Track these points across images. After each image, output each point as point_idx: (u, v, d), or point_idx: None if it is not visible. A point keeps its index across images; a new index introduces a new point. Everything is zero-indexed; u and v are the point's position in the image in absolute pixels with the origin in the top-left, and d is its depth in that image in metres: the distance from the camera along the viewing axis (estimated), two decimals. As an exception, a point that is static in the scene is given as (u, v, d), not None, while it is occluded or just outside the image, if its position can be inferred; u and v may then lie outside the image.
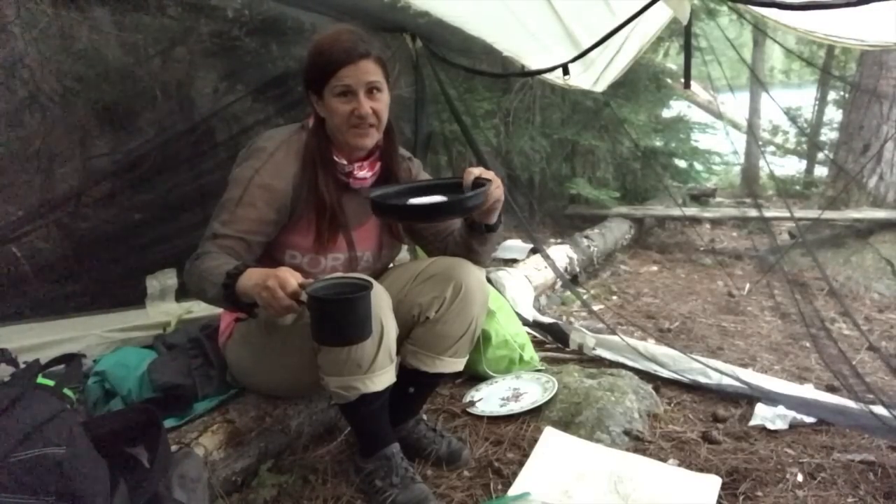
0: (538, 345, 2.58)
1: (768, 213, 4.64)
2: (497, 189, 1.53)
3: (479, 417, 1.99)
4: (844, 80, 6.18)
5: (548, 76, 3.12)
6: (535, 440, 1.80)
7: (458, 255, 1.70)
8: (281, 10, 2.63)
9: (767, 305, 3.37)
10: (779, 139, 7.88)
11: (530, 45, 2.96)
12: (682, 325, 3.10)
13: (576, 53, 2.85)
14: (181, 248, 2.06)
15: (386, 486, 1.55)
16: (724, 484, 1.62)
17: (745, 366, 2.41)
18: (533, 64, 3.08)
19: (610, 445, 1.80)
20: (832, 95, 7.00)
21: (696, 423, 1.99)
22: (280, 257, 1.60)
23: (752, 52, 6.97)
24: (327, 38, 1.51)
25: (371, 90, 1.51)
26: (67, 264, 2.20)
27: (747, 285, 3.76)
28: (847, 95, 5.88)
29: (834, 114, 6.95)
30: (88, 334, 2.08)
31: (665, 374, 2.25)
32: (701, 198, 5.81)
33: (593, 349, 2.45)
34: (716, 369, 2.19)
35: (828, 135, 7.03)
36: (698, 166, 5.83)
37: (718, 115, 6.58)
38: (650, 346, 2.42)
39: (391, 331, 1.48)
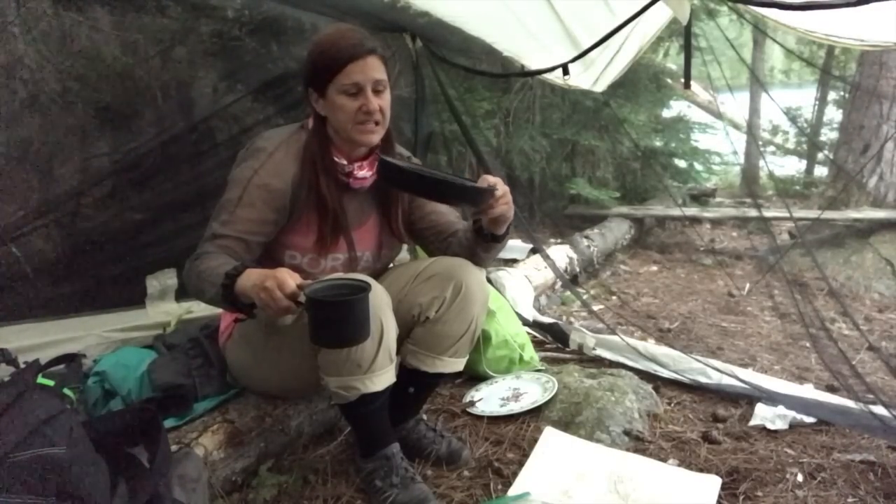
0: (538, 345, 2.58)
1: (768, 213, 4.65)
2: (504, 204, 1.51)
3: (479, 417, 1.99)
4: (844, 80, 6.18)
5: (548, 76, 3.12)
6: (535, 440, 1.80)
7: (459, 256, 1.70)
8: (281, 10, 2.63)
9: (767, 305, 3.38)
10: (779, 139, 7.88)
11: (530, 45, 2.96)
12: (682, 325, 3.10)
13: (576, 53, 2.85)
14: (181, 248, 2.06)
15: (386, 486, 1.55)
16: (724, 484, 1.62)
17: (745, 366, 2.41)
18: (533, 64, 3.08)
19: (610, 445, 1.80)
20: (832, 95, 7.00)
21: (696, 423, 1.99)
22: (280, 257, 1.60)
23: (752, 52, 6.97)
24: (331, 35, 1.51)
25: (377, 87, 1.51)
26: (67, 264, 2.19)
27: (747, 285, 3.76)
28: (847, 95, 5.88)
29: (834, 114, 6.95)
30: (88, 334, 2.08)
31: (665, 374, 2.25)
32: (701, 198, 5.81)
33: (593, 349, 2.45)
34: (716, 369, 2.19)
35: (828, 135, 7.03)
36: (698, 166, 5.83)
37: (718, 115, 6.59)
38: (650, 346, 2.42)
39: (391, 331, 1.48)
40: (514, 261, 3.50)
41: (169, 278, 2.29)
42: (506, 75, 3.94)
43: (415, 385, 1.73)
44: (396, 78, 3.09)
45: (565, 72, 2.87)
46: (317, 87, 1.52)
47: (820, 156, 6.94)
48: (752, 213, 4.87)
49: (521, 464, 1.72)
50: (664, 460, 1.76)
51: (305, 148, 1.57)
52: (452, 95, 3.23)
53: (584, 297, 3.39)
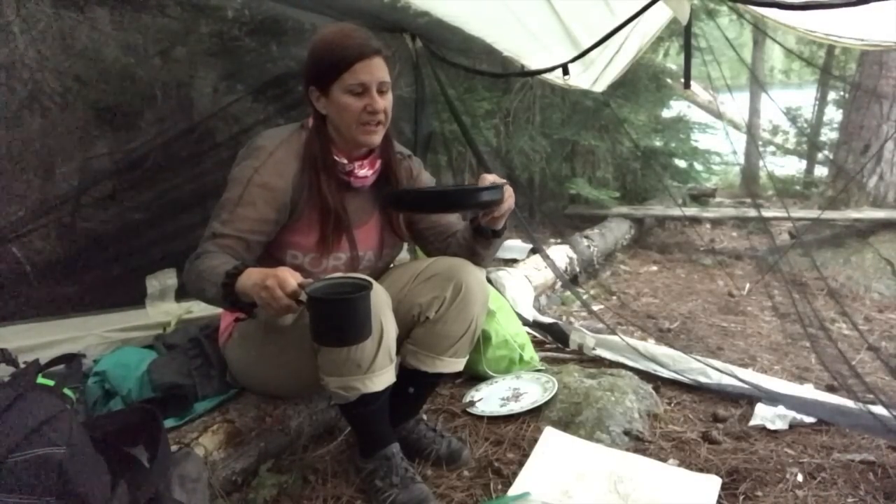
0: (538, 345, 2.58)
1: (768, 213, 4.64)
2: (510, 197, 1.54)
3: (479, 417, 1.99)
4: (844, 80, 6.18)
5: (548, 76, 3.12)
6: (535, 440, 1.80)
7: (459, 256, 1.70)
8: (281, 10, 2.63)
9: (767, 305, 3.37)
10: (779, 139, 7.88)
11: (530, 45, 2.96)
12: (682, 325, 3.10)
13: (576, 53, 2.85)
14: (181, 248, 2.05)
15: (386, 486, 1.55)
16: (724, 484, 1.62)
17: (745, 366, 2.41)
18: (533, 64, 3.08)
19: (610, 445, 1.80)
20: (832, 95, 6.99)
21: (696, 423, 1.99)
22: (281, 257, 1.60)
23: (752, 52, 6.97)
24: (336, 34, 1.51)
25: (381, 88, 1.51)
26: (67, 264, 2.19)
27: (747, 285, 3.76)
28: (847, 95, 5.88)
29: (834, 114, 6.94)
30: (88, 334, 2.07)
31: (665, 374, 2.25)
32: (701, 198, 5.81)
33: (593, 349, 2.45)
34: (716, 369, 2.19)
35: (828, 135, 7.02)
36: (698, 166, 5.83)
37: (718, 115, 6.58)
38: (650, 346, 2.42)
39: (391, 331, 1.48)
40: (514, 261, 3.50)
41: (169, 278, 2.29)
42: (506, 75, 3.94)
43: (415, 385, 1.74)
44: (396, 78, 3.09)
45: (565, 72, 2.87)
46: (320, 85, 1.52)
47: (820, 156, 6.94)
48: (752, 213, 4.87)
49: (521, 464, 1.72)
50: (664, 460, 1.76)
51: (306, 147, 1.57)
52: (452, 95, 3.23)
53: (584, 297, 3.38)
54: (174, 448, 1.44)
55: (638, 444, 1.86)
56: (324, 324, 1.26)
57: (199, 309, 2.24)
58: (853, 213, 4.33)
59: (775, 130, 7.84)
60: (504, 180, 1.54)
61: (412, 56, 3.09)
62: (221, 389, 1.80)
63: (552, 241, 4.22)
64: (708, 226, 5.34)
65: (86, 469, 1.08)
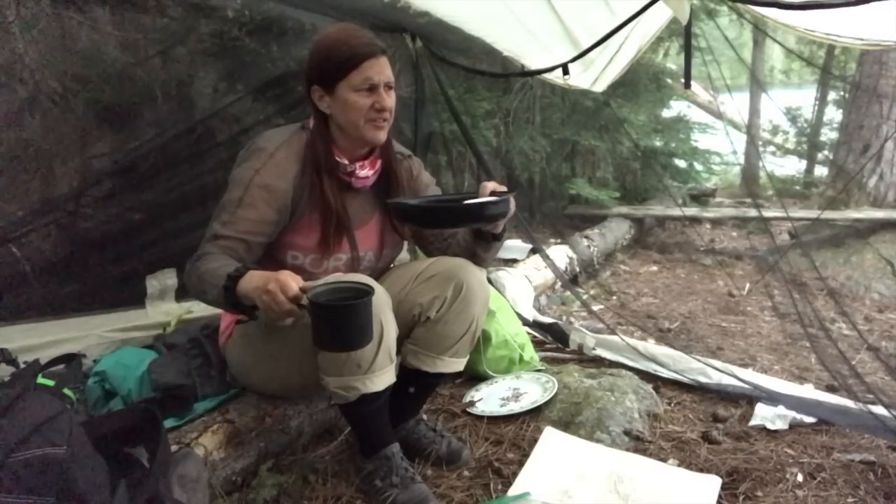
0: (538, 345, 2.58)
1: (768, 214, 4.64)
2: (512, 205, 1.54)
3: (479, 417, 1.99)
4: (844, 80, 6.18)
5: (548, 76, 3.12)
6: (535, 440, 1.80)
7: (459, 256, 1.70)
8: (281, 11, 2.63)
9: (767, 305, 3.38)
10: (779, 139, 7.87)
11: (530, 45, 2.96)
12: (682, 325, 3.10)
13: (576, 53, 2.85)
14: (181, 248, 2.06)
15: (386, 486, 1.55)
16: (724, 484, 1.62)
17: (745, 366, 2.41)
18: (533, 64, 3.08)
19: (610, 445, 1.80)
20: (832, 95, 6.99)
21: (696, 423, 1.99)
22: (282, 258, 1.59)
23: (752, 52, 6.97)
24: (341, 33, 1.51)
25: (389, 86, 1.53)
26: (67, 264, 2.20)
27: (747, 285, 3.76)
28: (847, 95, 5.88)
29: (834, 114, 6.94)
30: (88, 334, 2.08)
31: (665, 374, 2.25)
32: (701, 198, 5.81)
33: (593, 349, 2.45)
34: (716, 369, 2.19)
35: (828, 135, 7.02)
36: (698, 166, 5.83)
37: (718, 115, 6.58)
38: (650, 346, 2.41)
39: (391, 331, 1.48)
40: (514, 261, 3.50)
41: (169, 278, 2.29)
42: (506, 75, 3.94)
43: (415, 385, 1.74)
44: (396, 78, 3.09)
45: (565, 72, 2.87)
46: (325, 84, 1.51)
47: (820, 156, 6.94)
48: (752, 213, 4.87)
49: (521, 464, 1.72)
50: (664, 460, 1.76)
51: (307, 148, 1.57)
52: (452, 95, 3.23)
53: (584, 297, 3.38)
54: (174, 448, 1.44)
55: (638, 444, 1.86)
56: (325, 329, 1.26)
57: (199, 309, 2.24)
58: (853, 213, 4.33)
59: (775, 130, 7.84)
60: (504, 188, 1.54)
61: (412, 56, 3.09)
62: (221, 389, 1.80)
63: (552, 241, 4.22)
64: (708, 226, 5.34)
65: (86, 469, 1.08)
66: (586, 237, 4.08)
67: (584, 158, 5.53)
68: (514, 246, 3.83)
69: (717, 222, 5.27)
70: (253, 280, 1.30)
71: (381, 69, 1.49)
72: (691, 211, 5.07)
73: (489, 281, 2.69)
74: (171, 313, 2.25)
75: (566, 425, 1.90)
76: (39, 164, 2.17)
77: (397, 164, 1.70)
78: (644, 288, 3.82)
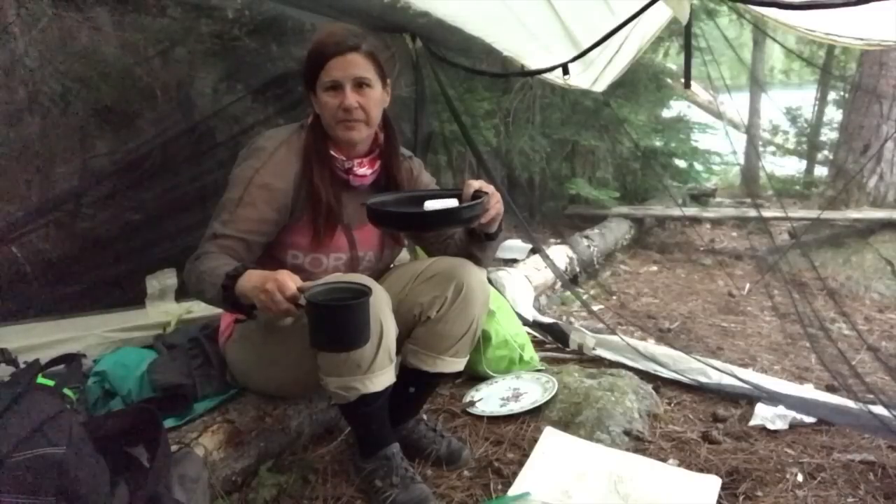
0: (538, 345, 2.58)
1: (768, 214, 4.64)
2: (497, 203, 1.53)
3: (479, 417, 1.99)
4: (844, 80, 6.18)
5: (548, 76, 3.12)
6: (535, 440, 1.80)
7: (458, 256, 1.70)
8: (281, 11, 2.63)
9: (767, 305, 3.37)
10: (779, 139, 7.87)
11: (530, 45, 2.96)
12: (682, 325, 3.10)
13: (576, 53, 2.85)
14: (181, 248, 2.06)
15: (386, 486, 1.55)
16: (724, 484, 1.62)
17: (745, 366, 2.41)
18: (533, 64, 3.07)
19: (610, 445, 1.80)
20: (832, 95, 6.99)
21: (696, 423, 1.99)
22: (282, 257, 1.60)
23: (752, 52, 6.96)
24: (319, 35, 1.55)
25: (360, 84, 1.51)
26: (67, 264, 2.19)
27: (747, 285, 3.76)
28: (847, 95, 5.88)
29: (834, 114, 6.94)
30: (88, 334, 2.07)
31: (665, 374, 2.25)
32: (701, 198, 5.81)
33: (593, 349, 2.45)
34: (716, 369, 2.19)
35: (828, 135, 7.02)
36: (698, 166, 5.82)
37: (718, 116, 6.58)
38: (650, 346, 2.42)
39: (391, 331, 1.48)
40: (514, 261, 3.50)
41: (169, 278, 2.28)
42: (506, 75, 3.94)
43: (415, 385, 1.74)
44: (396, 78, 3.09)
45: (565, 72, 2.87)
46: (308, 86, 1.55)
47: (820, 156, 6.93)
48: (752, 213, 4.87)
49: (521, 464, 1.72)
50: (664, 460, 1.76)
51: (306, 146, 1.57)
52: (452, 95, 3.23)
53: (584, 297, 3.38)
54: (174, 448, 1.44)
55: (638, 444, 1.86)
56: (322, 329, 1.26)
57: (199, 309, 2.24)
58: (853, 213, 4.33)
59: (775, 130, 7.83)
60: (490, 186, 1.52)
61: (412, 56, 3.09)
62: (221, 389, 1.79)
63: (552, 241, 4.22)
64: (708, 226, 5.33)
65: (86, 469, 1.08)
66: (586, 237, 4.07)
67: (584, 158, 5.53)
68: (514, 246, 3.83)
69: (717, 222, 5.27)
70: (251, 279, 1.30)
71: (346, 67, 1.48)
72: (691, 211, 5.06)
73: (489, 281, 2.68)
74: (171, 313, 2.25)
75: (566, 425, 1.90)
76: (39, 164, 2.17)
77: (398, 164, 1.70)
78: (644, 288, 3.81)
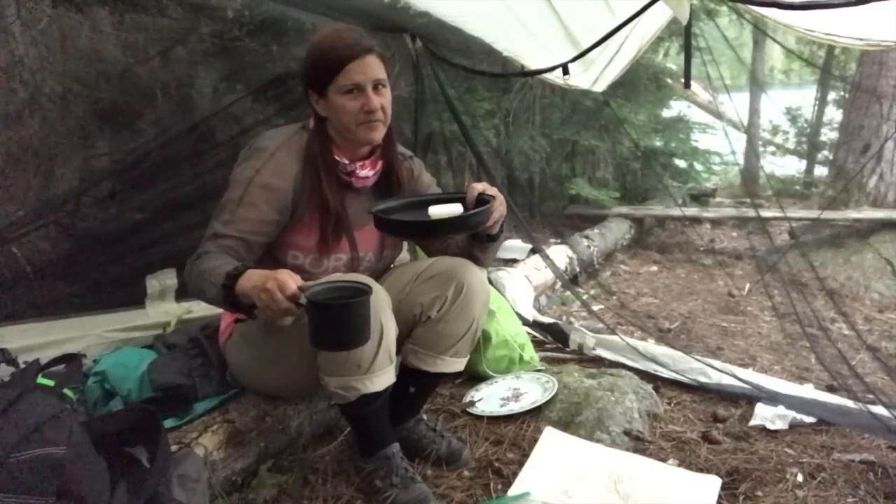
0: (538, 345, 2.58)
1: (768, 214, 4.64)
2: (501, 206, 1.54)
3: (479, 417, 1.99)
4: (844, 80, 6.18)
5: (548, 76, 3.12)
6: (535, 440, 1.80)
7: (459, 256, 1.70)
8: (281, 11, 2.63)
9: (767, 305, 3.37)
10: (779, 139, 7.87)
11: (530, 45, 2.96)
12: (682, 325, 3.10)
13: (576, 53, 2.85)
14: (181, 248, 2.06)
15: (386, 486, 1.55)
16: (724, 484, 1.62)
17: (745, 366, 2.41)
18: (533, 64, 3.07)
19: (610, 445, 1.80)
20: (832, 95, 6.99)
21: (696, 423, 1.99)
22: (282, 258, 1.60)
23: (752, 52, 6.96)
24: (328, 36, 1.51)
25: (377, 86, 1.51)
26: (67, 264, 2.19)
27: (747, 285, 3.76)
28: (847, 95, 5.88)
29: (834, 114, 6.94)
30: (88, 334, 2.07)
31: (665, 374, 2.25)
32: (701, 198, 5.81)
33: (593, 349, 2.45)
34: (716, 369, 2.19)
35: (828, 135, 7.01)
36: (698, 166, 5.82)
37: (718, 116, 6.58)
38: (650, 346, 2.42)
39: (391, 331, 1.48)
40: (514, 261, 3.50)
41: (169, 278, 2.29)
42: (506, 75, 3.94)
43: (415, 385, 1.74)
44: (396, 78, 3.09)
45: (565, 72, 2.87)
46: (316, 89, 1.53)
47: (820, 156, 6.93)
48: (752, 213, 4.86)
49: (521, 464, 1.72)
50: (664, 460, 1.76)
51: (307, 148, 1.57)
52: (452, 95, 3.23)
53: (584, 297, 3.38)
54: (174, 448, 1.44)
55: (638, 444, 1.86)
56: (322, 328, 1.26)
57: (199, 309, 2.24)
58: (853, 213, 4.33)
59: (775, 130, 7.83)
60: (494, 189, 1.53)
61: (412, 56, 3.09)
62: (221, 389, 1.80)
63: (552, 241, 4.21)
64: (708, 226, 5.33)
65: (86, 469, 1.08)
66: (586, 237, 4.07)
67: (584, 158, 5.53)
68: (514, 246, 3.83)
69: (717, 222, 5.27)
70: (252, 279, 1.30)
71: (366, 69, 1.48)
72: (691, 211, 5.06)
73: (489, 281, 2.69)
74: (171, 313, 2.25)
75: (566, 425, 1.90)
76: (39, 164, 2.17)
77: (398, 164, 1.70)
78: (644, 288, 3.81)
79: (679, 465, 1.73)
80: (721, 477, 1.64)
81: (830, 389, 2.16)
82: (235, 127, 2.61)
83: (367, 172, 1.61)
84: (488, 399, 2.10)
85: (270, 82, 2.67)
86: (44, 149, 2.17)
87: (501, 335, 2.27)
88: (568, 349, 2.53)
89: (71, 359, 1.84)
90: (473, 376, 2.25)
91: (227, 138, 2.57)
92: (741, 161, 6.71)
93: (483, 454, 1.80)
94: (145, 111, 2.39)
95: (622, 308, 3.34)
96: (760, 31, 5.90)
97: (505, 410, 2.01)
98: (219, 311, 1.78)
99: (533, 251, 3.60)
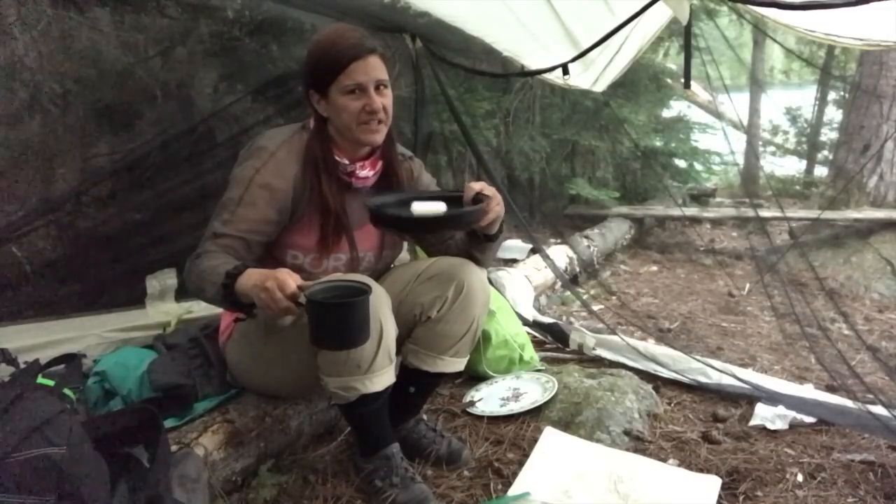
0: (538, 345, 2.58)
1: (767, 214, 4.64)
2: (498, 206, 1.53)
3: (479, 417, 1.99)
4: (844, 80, 6.18)
5: (548, 76, 3.12)
6: (535, 440, 1.80)
7: (459, 256, 1.70)
8: (281, 11, 2.63)
9: (767, 305, 3.37)
10: (779, 139, 7.87)
11: (530, 45, 2.96)
12: (682, 325, 3.10)
13: (576, 53, 2.85)
14: (181, 248, 2.06)
15: (386, 486, 1.55)
16: (724, 484, 1.62)
17: (745, 366, 2.41)
18: (533, 64, 3.08)
19: (610, 445, 1.80)
20: (832, 95, 6.99)
21: (696, 423, 1.99)
22: (282, 257, 1.60)
23: (752, 52, 6.96)
24: (330, 36, 1.51)
25: (379, 86, 1.51)
26: (67, 264, 2.19)
27: (747, 285, 3.76)
28: (847, 95, 5.88)
29: (834, 114, 6.94)
30: (88, 334, 2.07)
31: (665, 374, 2.25)
32: (701, 198, 5.81)
33: (593, 349, 2.45)
34: (716, 369, 2.19)
35: (828, 135, 7.02)
36: (698, 166, 5.82)
37: (718, 116, 6.58)
38: (650, 346, 2.42)
39: (390, 331, 1.48)
40: (514, 261, 3.50)
41: (169, 278, 2.29)
42: (506, 75, 3.94)
43: (415, 385, 1.74)
44: (396, 78, 3.09)
45: (565, 72, 2.87)
46: (318, 88, 1.53)
47: (820, 156, 6.93)
48: (752, 213, 4.86)
49: (521, 464, 1.72)
50: (664, 460, 1.76)
51: (307, 148, 1.57)
52: (452, 95, 3.23)
53: (584, 297, 3.38)
54: (174, 448, 1.44)
55: (638, 444, 1.86)
56: (322, 327, 1.26)
57: (199, 309, 2.24)
58: (853, 213, 4.33)
59: (775, 130, 7.84)
60: (492, 189, 1.53)
61: (412, 56, 3.09)
62: (221, 389, 1.80)
63: (552, 241, 4.22)
64: (708, 226, 5.34)
65: (86, 469, 1.08)
66: (586, 237, 4.07)
67: (584, 158, 5.52)
68: (514, 246, 3.83)
69: (717, 222, 5.27)
70: (251, 278, 1.30)
71: (368, 69, 1.48)
72: (691, 211, 5.07)
73: (489, 281, 2.69)
74: (171, 313, 2.25)
75: (566, 425, 1.90)
76: (39, 164, 2.17)
77: (398, 164, 1.70)
78: (644, 288, 3.82)
79: (679, 465, 1.73)
80: (721, 477, 1.64)
81: (830, 389, 2.16)
82: (235, 127, 2.61)
83: (367, 173, 1.61)
84: (488, 399, 2.10)
85: (270, 82, 2.67)
86: (44, 149, 2.17)
87: (501, 335, 2.27)
88: (568, 349, 2.53)
89: (71, 359, 1.84)
90: (473, 376, 2.25)
91: (226, 138, 2.57)
92: (741, 161, 6.71)
93: (483, 454, 1.80)
94: (145, 111, 2.39)
95: (622, 308, 3.34)
96: (760, 31, 5.90)
97: (505, 410, 2.00)
98: (219, 311, 1.78)
99: (533, 251, 3.60)
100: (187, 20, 2.43)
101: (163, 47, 2.41)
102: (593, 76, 3.37)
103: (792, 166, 7.35)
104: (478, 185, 1.53)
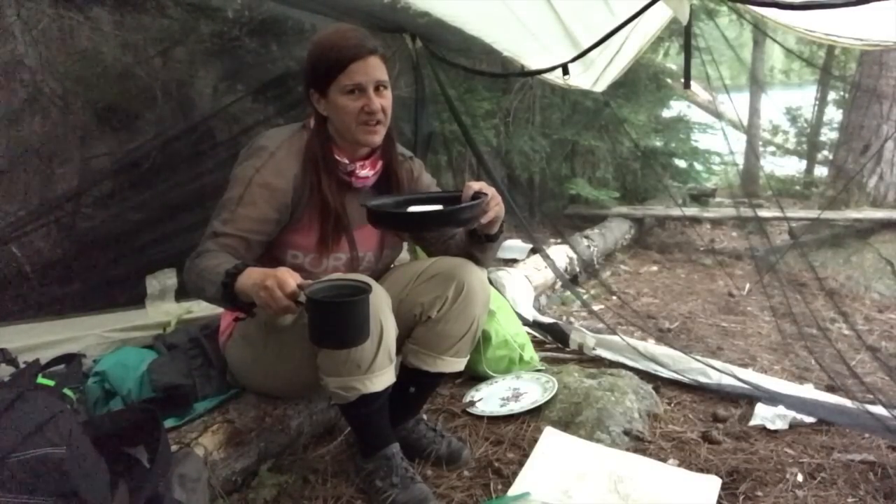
0: (538, 345, 2.58)
1: (767, 214, 4.64)
2: (498, 206, 1.53)
3: (479, 417, 1.99)
4: (844, 80, 6.17)
5: (548, 76, 3.12)
6: (535, 440, 1.80)
7: (459, 256, 1.70)
8: (281, 11, 2.63)
9: (767, 305, 3.37)
10: (779, 139, 7.87)
11: (530, 45, 2.96)
12: (682, 325, 3.10)
13: (576, 53, 2.85)
14: (181, 248, 2.05)
15: (386, 486, 1.55)
16: (724, 484, 1.62)
17: (745, 366, 2.41)
18: (533, 64, 3.08)
19: (610, 445, 1.80)
20: (832, 95, 6.99)
21: (696, 423, 1.99)
22: (282, 257, 1.60)
23: (752, 52, 6.96)
24: (332, 36, 1.51)
25: (378, 87, 1.51)
26: (67, 264, 2.20)
27: (747, 285, 3.76)
28: (847, 95, 5.87)
29: (834, 114, 6.94)
30: (88, 334, 2.07)
31: (665, 374, 2.25)
32: (701, 198, 5.81)
33: (593, 349, 2.45)
34: (716, 369, 2.19)
35: (828, 135, 7.01)
36: (698, 166, 5.82)
37: (718, 115, 6.57)
38: (650, 346, 2.42)
39: (391, 331, 1.48)
40: (514, 261, 3.50)
41: (169, 278, 2.29)
42: (506, 75, 3.94)
43: (416, 385, 1.74)
44: (396, 78, 3.09)
45: (565, 72, 2.87)
46: (318, 87, 1.53)
47: (820, 156, 6.93)
48: (752, 213, 4.86)
49: (521, 464, 1.72)
50: (664, 460, 1.76)
51: (307, 148, 1.57)
52: (452, 95, 3.23)
53: (584, 297, 3.38)
54: (174, 448, 1.44)
55: (638, 444, 1.86)
56: (322, 326, 1.26)
57: (199, 309, 2.24)
58: (853, 213, 4.33)
59: (775, 130, 7.83)
60: (491, 188, 1.53)
61: (412, 56, 3.09)
62: (221, 389, 1.80)
63: (552, 241, 4.21)
64: (708, 226, 5.33)
65: (86, 469, 1.08)
66: (586, 237, 4.07)
67: (584, 158, 5.52)
68: (514, 246, 3.83)
69: (717, 222, 5.27)
70: (251, 277, 1.30)
71: (369, 70, 1.48)
72: (691, 211, 5.06)
73: (489, 281, 2.68)
74: (171, 313, 2.25)
75: (566, 425, 1.90)
76: (39, 164, 2.17)
77: (398, 164, 1.70)
78: (644, 288, 3.81)
79: (679, 465, 1.73)
80: (721, 477, 1.64)
81: (830, 389, 2.16)
82: (235, 127, 2.61)
83: (367, 172, 1.61)
84: (488, 399, 2.10)
85: (270, 82, 2.67)
86: (44, 149, 2.17)
87: (501, 335, 2.27)
88: (568, 349, 2.53)
89: (71, 359, 1.84)
90: (473, 376, 2.25)
91: (226, 138, 2.57)
92: (741, 161, 6.71)
93: (483, 454, 1.80)
94: (145, 111, 2.39)
95: (622, 308, 3.34)
96: (760, 31, 5.89)
97: (505, 410, 2.01)
98: (219, 310, 1.78)
99: (533, 251, 3.60)
100: (187, 20, 2.43)
101: (163, 47, 2.41)
102: (593, 76, 3.37)
103: (792, 166, 7.35)
104: (477, 185, 1.53)
